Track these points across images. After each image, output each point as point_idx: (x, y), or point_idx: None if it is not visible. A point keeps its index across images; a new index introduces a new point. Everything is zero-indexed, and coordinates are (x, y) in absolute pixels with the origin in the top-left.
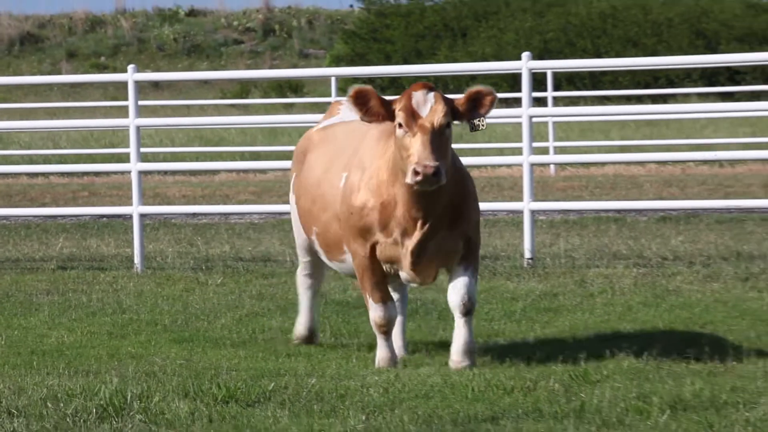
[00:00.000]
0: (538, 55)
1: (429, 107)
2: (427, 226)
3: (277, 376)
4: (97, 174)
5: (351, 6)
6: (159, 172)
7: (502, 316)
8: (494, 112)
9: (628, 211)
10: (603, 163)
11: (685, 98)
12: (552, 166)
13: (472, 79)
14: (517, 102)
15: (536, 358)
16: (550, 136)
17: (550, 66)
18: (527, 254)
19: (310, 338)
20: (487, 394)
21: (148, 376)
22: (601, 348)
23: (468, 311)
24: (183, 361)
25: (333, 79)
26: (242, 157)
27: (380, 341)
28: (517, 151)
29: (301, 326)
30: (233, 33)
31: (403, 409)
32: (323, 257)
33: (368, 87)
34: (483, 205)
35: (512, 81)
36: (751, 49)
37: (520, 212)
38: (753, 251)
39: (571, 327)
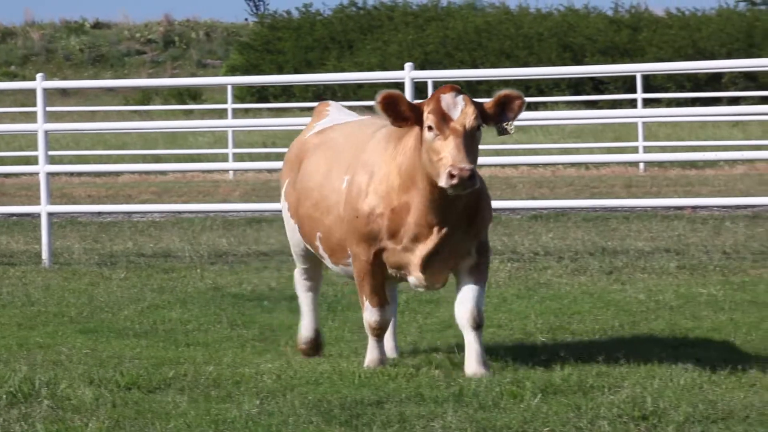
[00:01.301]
0: (419, 66)
1: (459, 110)
2: (444, 231)
3: (176, 364)
4: (7, 175)
5: (246, 19)
6: (66, 173)
7: None
8: (377, 118)
9: (503, 210)
10: (480, 166)
11: (554, 106)
12: None
13: (359, 87)
14: None
15: (419, 346)
16: None
17: (431, 76)
18: None
19: (317, 340)
20: (373, 380)
21: (55, 365)
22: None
23: (478, 326)
24: (88, 351)
25: (229, 87)
26: (144, 159)
27: (372, 343)
28: None
29: (305, 330)
30: (136, 44)
31: (295, 394)
32: (328, 262)
33: (396, 91)
34: None
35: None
36: (614, 61)
37: None
38: (616, 247)
39: (450, 317)
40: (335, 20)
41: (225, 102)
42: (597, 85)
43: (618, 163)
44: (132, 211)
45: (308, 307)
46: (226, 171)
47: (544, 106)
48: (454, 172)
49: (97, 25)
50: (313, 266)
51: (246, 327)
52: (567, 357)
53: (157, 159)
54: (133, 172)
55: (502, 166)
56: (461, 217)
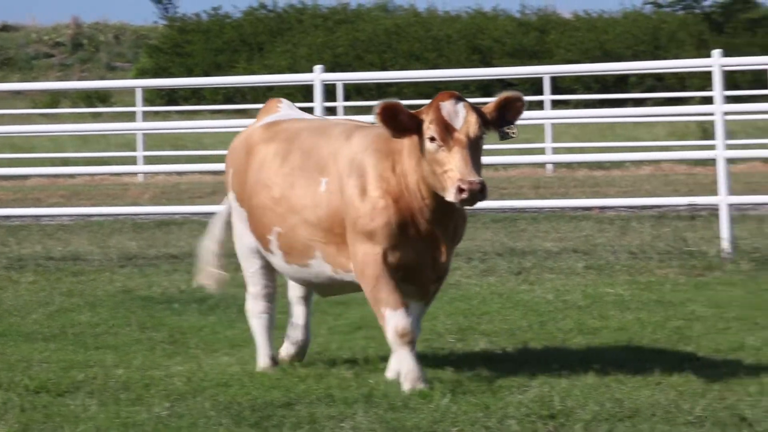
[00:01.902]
0: (329, 68)
1: (462, 118)
2: (444, 238)
3: (86, 367)
4: None
5: (155, 22)
6: None
7: None
8: None
9: None
10: None
11: None
12: None
13: (269, 90)
14: (309, 111)
15: (329, 347)
16: None
17: (341, 78)
18: None
19: (274, 367)
20: (283, 382)
21: None
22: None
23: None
24: None
25: (138, 90)
26: (52, 163)
27: (404, 355)
28: None
29: (262, 359)
30: (44, 47)
31: (205, 396)
32: (277, 259)
33: (395, 101)
34: None
35: (306, 92)
36: (522, 63)
37: None
38: (525, 247)
39: (360, 319)
40: (245, 23)
41: (134, 105)
42: (506, 86)
43: (526, 165)
44: (41, 214)
45: (261, 335)
46: (136, 174)
47: None
48: (464, 187)
49: (4, 28)
50: (265, 272)
51: (156, 330)
52: (476, 357)
53: (66, 162)
54: (41, 176)
55: None
56: (452, 224)
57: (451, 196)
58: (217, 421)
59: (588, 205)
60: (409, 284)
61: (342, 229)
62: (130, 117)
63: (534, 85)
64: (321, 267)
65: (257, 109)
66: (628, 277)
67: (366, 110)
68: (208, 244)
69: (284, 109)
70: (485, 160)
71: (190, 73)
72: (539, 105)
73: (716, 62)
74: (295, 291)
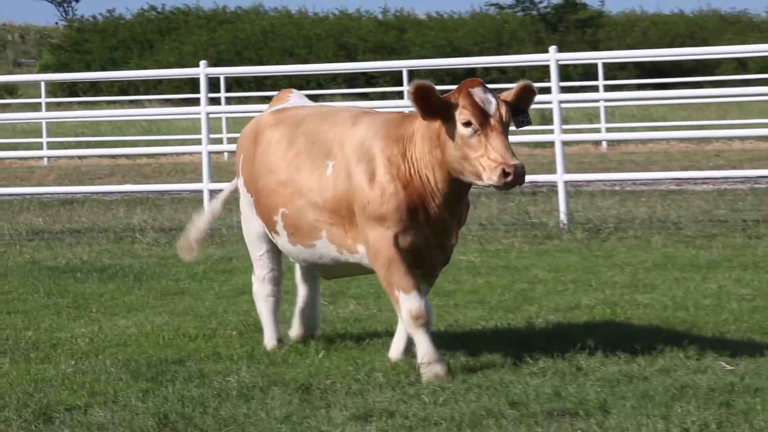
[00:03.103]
0: (213, 63)
1: (494, 104)
2: (451, 223)
3: None
4: None
5: (57, 23)
6: None
7: (187, 276)
8: (176, 109)
9: None
10: None
11: (331, 98)
12: (225, 154)
13: (159, 83)
14: (196, 102)
15: (216, 310)
16: (224, 129)
17: (223, 72)
18: None
19: (282, 347)
20: (175, 341)
21: None
22: None
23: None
24: None
25: (42, 84)
26: None
27: (420, 338)
28: (197, 142)
29: (269, 340)
30: None
31: (106, 355)
32: (282, 239)
33: (428, 82)
34: (169, 187)
35: (192, 85)
36: (383, 58)
37: (200, 191)
38: None
39: (243, 285)
40: (136, 23)
41: (39, 97)
42: (369, 79)
43: None
44: None
45: (268, 317)
46: (41, 158)
47: (322, 98)
48: (509, 170)
49: None
50: (273, 255)
51: (61, 296)
52: (347, 318)
53: None
54: None
55: None
56: (459, 209)
57: (494, 179)
58: (117, 376)
59: None
60: (418, 267)
61: (348, 212)
62: (36, 107)
63: (394, 78)
64: (326, 248)
65: (150, 100)
66: (478, 245)
67: (245, 100)
68: (202, 218)
69: (294, 99)
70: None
71: (88, 68)
72: (400, 95)
73: (552, 57)
74: (301, 273)
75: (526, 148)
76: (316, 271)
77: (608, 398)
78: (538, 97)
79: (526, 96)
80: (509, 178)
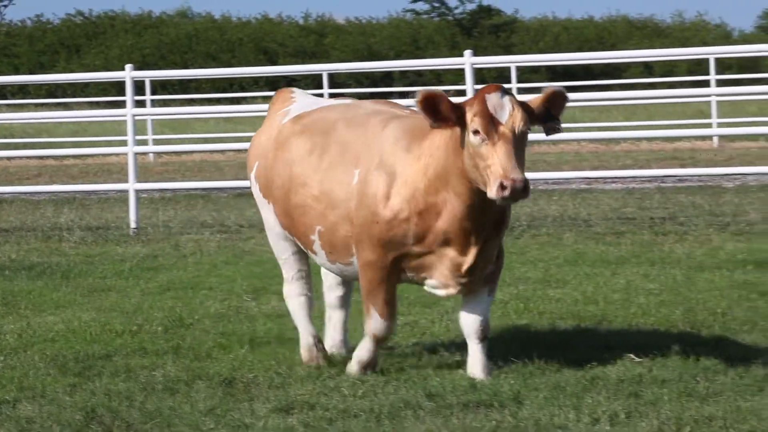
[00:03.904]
0: (138, 67)
1: (507, 112)
2: (482, 236)
3: None
4: None
5: None
6: None
7: (114, 274)
8: (103, 111)
9: (212, 189)
10: (191, 152)
11: (254, 101)
12: (151, 155)
13: (86, 86)
14: (122, 104)
15: (142, 306)
16: (149, 131)
17: (148, 75)
18: (132, 225)
19: (318, 345)
20: (102, 337)
21: None
22: (194, 298)
23: (485, 337)
24: None
25: None
26: None
27: (369, 346)
28: (123, 143)
29: (305, 339)
30: None
31: (35, 350)
32: (321, 259)
33: (437, 90)
34: (96, 187)
35: (118, 88)
36: (303, 62)
37: (126, 191)
38: None
39: (168, 282)
40: (63, 28)
41: None
42: (290, 82)
43: None
44: None
45: (302, 318)
46: None
47: (245, 101)
48: (507, 184)
49: None
50: (299, 263)
51: None
52: (269, 313)
53: None
54: None
55: (212, 152)
56: (494, 221)
57: (492, 193)
58: (45, 371)
59: None
60: (430, 280)
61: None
62: None
63: (314, 81)
64: None
65: (77, 102)
66: None
67: (170, 103)
68: None
69: (299, 99)
70: None
71: (17, 72)
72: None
73: (467, 61)
74: (331, 295)
75: None
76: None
77: (522, 390)
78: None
79: (556, 101)
80: (506, 193)
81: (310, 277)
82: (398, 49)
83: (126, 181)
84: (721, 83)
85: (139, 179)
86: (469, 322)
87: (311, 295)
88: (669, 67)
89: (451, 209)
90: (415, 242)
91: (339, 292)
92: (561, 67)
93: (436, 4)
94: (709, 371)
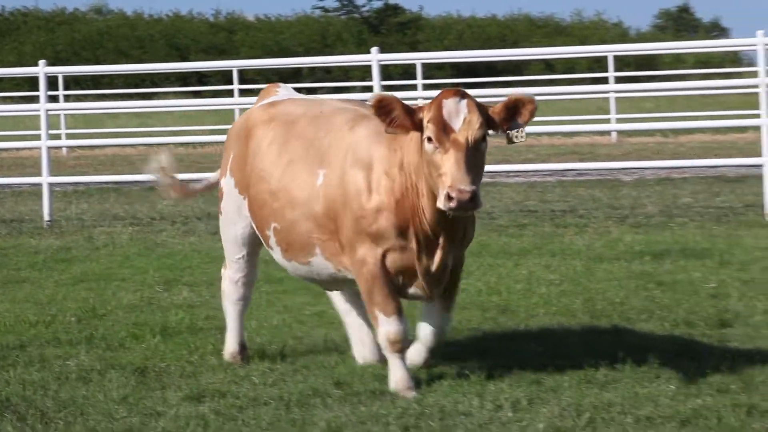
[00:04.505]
0: (51, 63)
1: (462, 118)
2: (450, 238)
3: None
4: None
5: None
6: None
7: (28, 266)
8: (17, 106)
9: (124, 183)
10: (104, 146)
11: (165, 96)
12: (64, 149)
13: (0, 81)
14: (36, 99)
15: (56, 297)
16: (62, 125)
17: (61, 71)
18: (46, 217)
19: (243, 352)
20: (17, 327)
21: None
22: (107, 289)
23: (435, 349)
24: None
25: None
26: None
27: (394, 362)
28: (37, 137)
29: (231, 343)
30: None
31: None
32: (277, 255)
33: (391, 95)
34: (10, 180)
35: (32, 83)
36: (214, 58)
37: (39, 185)
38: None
39: (81, 273)
40: None
41: None
42: (201, 78)
43: (218, 143)
44: None
45: (234, 320)
46: None
47: (156, 96)
48: (453, 194)
49: None
50: (251, 260)
51: None
52: (180, 304)
53: None
54: None
55: (122, 146)
56: (460, 229)
57: (440, 203)
58: None
59: None
60: (410, 287)
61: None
62: None
63: (225, 77)
64: (322, 265)
65: None
66: None
67: (82, 98)
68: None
69: (282, 93)
70: (191, 139)
71: None
72: (230, 93)
73: (374, 57)
74: (341, 302)
75: None
76: (316, 285)
77: (427, 378)
78: (360, 95)
79: (519, 109)
80: (452, 204)
81: (255, 280)
82: (307, 45)
83: (39, 174)
84: (619, 80)
85: (52, 173)
86: (426, 332)
87: (250, 300)
88: (569, 65)
89: (424, 206)
90: (396, 234)
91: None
92: (465, 64)
93: (344, 2)
94: (608, 359)
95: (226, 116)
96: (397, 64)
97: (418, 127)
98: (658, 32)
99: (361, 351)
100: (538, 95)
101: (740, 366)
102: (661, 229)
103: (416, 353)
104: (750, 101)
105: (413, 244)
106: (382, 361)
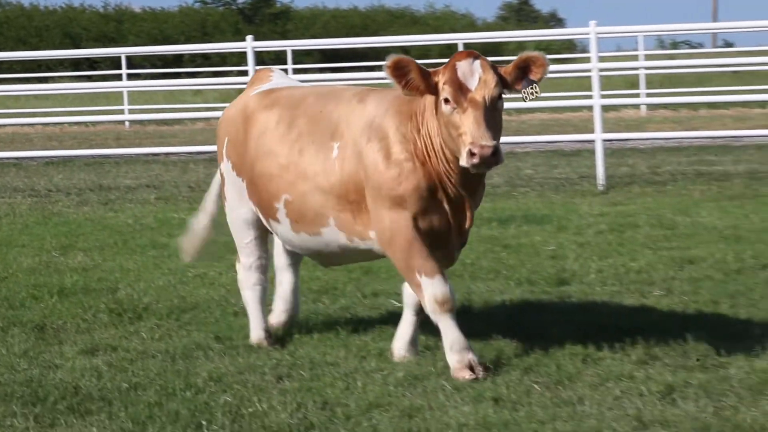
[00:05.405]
0: None
1: (477, 78)
2: (472, 200)
3: None
4: None
5: None
6: None
7: None
8: None
9: (23, 158)
10: (4, 125)
11: (60, 79)
12: None
13: None
14: None
15: None
16: None
17: None
18: None
19: (269, 337)
20: None
21: None
22: (8, 254)
23: (421, 311)
24: None
25: None
26: None
27: (446, 324)
28: None
29: (256, 328)
30: None
31: None
32: (283, 227)
33: (408, 57)
34: None
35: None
36: (104, 46)
37: None
38: (110, 184)
39: None
40: None
41: None
42: (92, 64)
43: (109, 122)
44: None
45: (255, 307)
46: None
47: (53, 79)
48: (475, 150)
49: None
50: (260, 242)
51: None
52: (76, 267)
53: None
54: None
55: (21, 125)
56: (481, 185)
57: (463, 161)
58: None
59: (156, 152)
60: (437, 250)
61: (357, 196)
62: None
63: (114, 63)
64: (334, 235)
65: None
66: (188, 205)
67: None
68: (201, 218)
69: (276, 78)
70: (82, 119)
71: None
72: (119, 77)
73: (249, 45)
74: (282, 258)
75: None
76: (315, 260)
77: (298, 332)
78: (238, 79)
79: (530, 67)
80: (475, 160)
81: (269, 264)
82: (188, 34)
83: None
84: None
85: None
86: (410, 292)
87: (267, 285)
88: (423, 51)
89: (447, 170)
90: (426, 194)
91: (289, 260)
92: (331, 50)
93: None
94: (461, 314)
95: (115, 98)
96: (270, 51)
97: (433, 90)
98: (502, 22)
99: (279, 311)
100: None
101: (577, 319)
102: (506, 198)
103: (402, 330)
104: (584, 84)
105: (445, 205)
106: (286, 325)
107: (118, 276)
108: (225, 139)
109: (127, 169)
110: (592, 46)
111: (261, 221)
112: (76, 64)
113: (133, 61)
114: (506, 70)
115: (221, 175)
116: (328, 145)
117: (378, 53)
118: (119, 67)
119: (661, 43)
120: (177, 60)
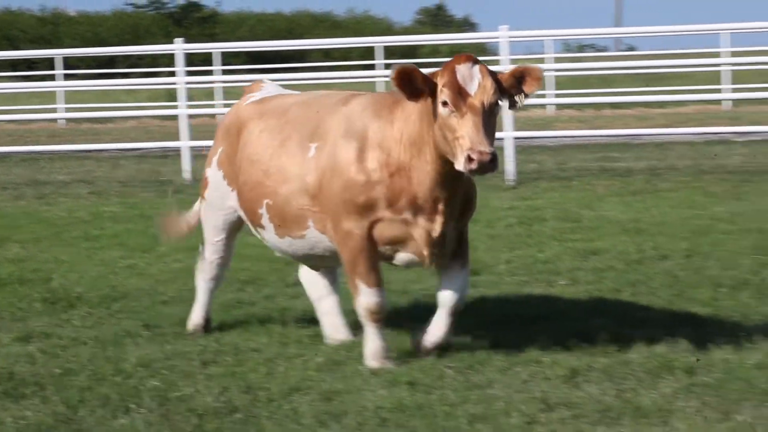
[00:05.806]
0: None
1: (476, 83)
2: (450, 205)
3: None
4: None
5: None
6: None
7: None
8: None
9: None
10: None
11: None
12: None
13: None
14: None
15: None
16: None
17: None
18: None
19: (206, 326)
20: None
21: None
22: None
23: (458, 312)
24: None
25: None
26: None
27: (371, 332)
28: None
29: (197, 316)
30: None
31: None
32: (269, 233)
33: (411, 65)
34: None
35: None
36: (41, 47)
37: None
38: (45, 179)
39: None
40: None
41: None
42: (30, 65)
43: (44, 120)
44: None
45: (204, 295)
46: None
47: None
48: (474, 156)
49: None
50: (228, 244)
51: None
52: (11, 259)
53: None
54: None
55: None
56: (459, 199)
57: (460, 165)
58: None
59: (89, 149)
60: (402, 253)
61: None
62: None
63: (50, 64)
64: (316, 237)
65: None
66: (118, 199)
67: None
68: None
69: (268, 89)
70: (13, 117)
71: None
72: (52, 78)
73: (179, 47)
74: (315, 289)
75: (157, 120)
76: (306, 264)
77: (226, 319)
78: (168, 79)
79: (524, 78)
80: (473, 165)
81: (228, 264)
82: (121, 37)
83: None
84: (387, 66)
85: None
86: (446, 295)
87: (222, 281)
88: (345, 54)
89: (423, 175)
90: (387, 206)
91: (324, 281)
92: (257, 52)
93: (152, 0)
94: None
95: (50, 97)
96: (198, 53)
97: (432, 92)
98: (419, 26)
99: (334, 336)
100: (317, 80)
101: (488, 307)
102: None
103: (439, 324)
104: None
105: (407, 215)
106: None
107: (52, 267)
108: (219, 148)
109: (61, 165)
110: (503, 49)
111: (234, 226)
112: (14, 65)
113: (68, 62)
114: (503, 78)
115: (205, 178)
116: (306, 146)
117: (302, 55)
118: (53, 68)
119: (567, 46)
120: (110, 61)
